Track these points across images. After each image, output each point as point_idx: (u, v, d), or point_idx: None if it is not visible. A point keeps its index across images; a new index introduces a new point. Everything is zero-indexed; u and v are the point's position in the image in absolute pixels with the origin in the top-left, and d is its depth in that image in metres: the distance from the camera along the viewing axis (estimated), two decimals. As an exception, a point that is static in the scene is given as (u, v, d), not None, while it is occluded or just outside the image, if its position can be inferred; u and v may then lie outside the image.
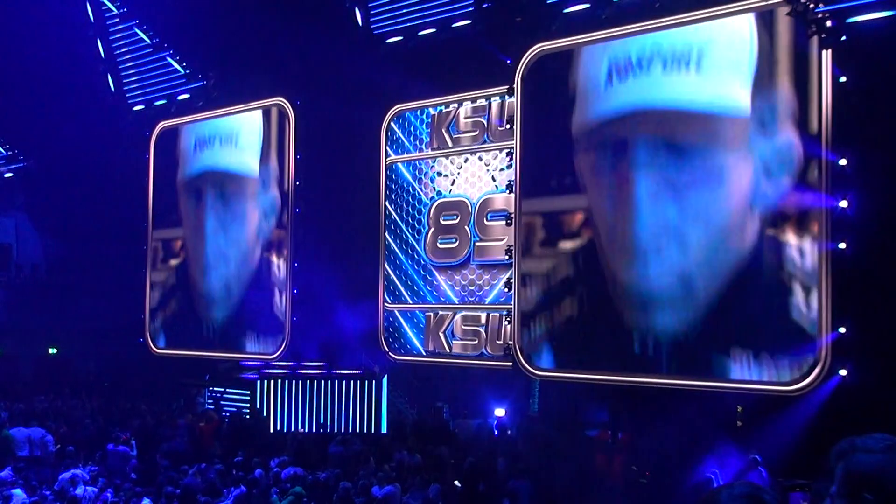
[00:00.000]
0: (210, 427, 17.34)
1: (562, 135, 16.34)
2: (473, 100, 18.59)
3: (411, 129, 19.62)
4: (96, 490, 11.88)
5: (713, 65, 14.31)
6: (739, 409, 14.35)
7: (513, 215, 17.17)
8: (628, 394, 15.17)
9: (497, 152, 18.14)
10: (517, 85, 17.13)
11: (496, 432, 17.08)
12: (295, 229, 20.82)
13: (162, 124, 24.12)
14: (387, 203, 19.94)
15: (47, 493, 11.94)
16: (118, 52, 24.29)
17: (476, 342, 18.33)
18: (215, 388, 20.30)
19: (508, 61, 17.33)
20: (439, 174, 19.09)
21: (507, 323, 17.60)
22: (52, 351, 26.32)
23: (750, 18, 13.94)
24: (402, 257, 19.63)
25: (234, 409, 19.18)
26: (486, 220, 18.29)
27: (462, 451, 15.12)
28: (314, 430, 17.76)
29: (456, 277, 18.74)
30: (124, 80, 24.42)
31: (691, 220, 14.41)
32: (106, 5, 24.10)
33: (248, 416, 18.39)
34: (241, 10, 20.50)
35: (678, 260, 14.51)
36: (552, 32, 16.65)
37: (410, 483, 12.63)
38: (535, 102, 17.02)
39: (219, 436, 17.07)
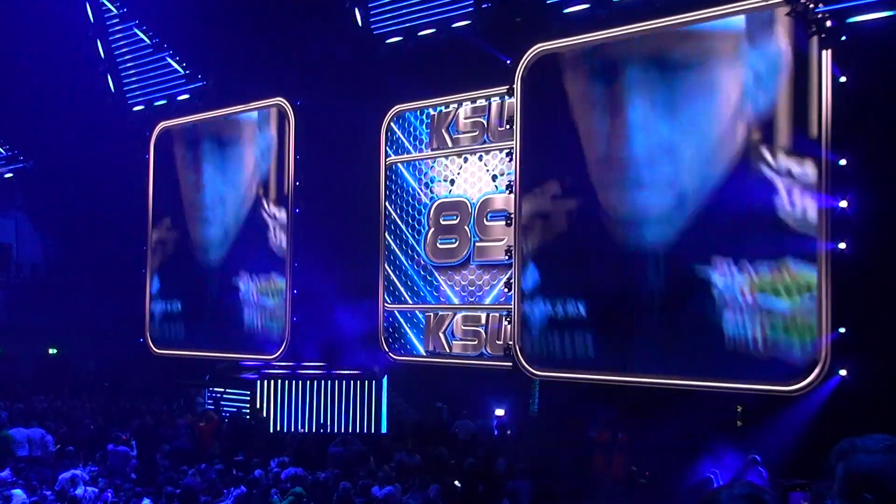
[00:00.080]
0: (210, 427, 17.33)
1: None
2: (473, 100, 18.60)
3: (411, 129, 19.63)
4: (96, 490, 11.88)
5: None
6: (739, 408, 14.36)
7: (513, 216, 17.17)
8: (628, 393, 15.17)
9: (497, 152, 18.15)
10: (517, 85, 17.13)
11: (496, 432, 17.08)
12: (295, 229, 20.82)
13: (162, 124, 24.12)
14: (386, 203, 19.94)
15: (47, 493, 11.94)
16: (118, 52, 24.29)
17: (476, 342, 18.33)
18: (215, 389, 20.29)
19: (508, 61, 17.33)
20: (434, 180, 19.12)
21: (506, 323, 17.60)
22: (51, 351, 26.30)
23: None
24: (402, 257, 19.64)
25: (234, 410, 19.17)
26: (486, 220, 18.29)
27: (462, 452, 15.12)
28: (314, 430, 17.76)
29: (456, 278, 18.75)
30: (124, 81, 24.42)
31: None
32: (106, 6, 24.10)
33: (247, 417, 18.38)
34: (241, 11, 20.50)
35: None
36: (552, 33, 16.65)
37: (410, 483, 12.63)
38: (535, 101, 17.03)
39: (219, 436, 17.06)
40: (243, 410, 18.84)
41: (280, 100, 21.33)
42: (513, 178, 17.30)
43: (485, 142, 18.41)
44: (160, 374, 22.55)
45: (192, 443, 16.42)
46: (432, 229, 19.18)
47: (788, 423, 12.74)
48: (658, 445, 13.56)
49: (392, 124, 19.89)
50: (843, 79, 12.85)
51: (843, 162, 12.81)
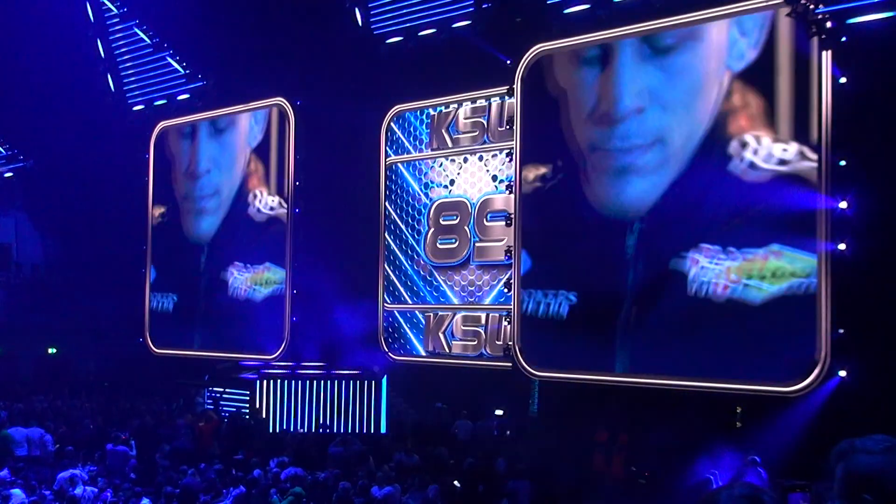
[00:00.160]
0: (209, 427, 17.33)
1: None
2: (473, 100, 18.59)
3: (411, 129, 19.63)
4: (96, 490, 11.87)
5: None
6: (739, 409, 14.36)
7: (512, 216, 17.16)
8: (628, 394, 15.17)
9: (497, 152, 18.16)
10: (517, 85, 17.13)
11: (496, 433, 17.07)
12: (295, 229, 20.82)
13: (162, 124, 24.12)
14: (386, 203, 19.94)
15: (47, 492, 11.93)
16: (118, 52, 24.29)
17: (476, 343, 18.33)
18: (214, 388, 20.29)
19: (508, 62, 17.32)
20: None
21: (506, 323, 17.59)
22: (51, 351, 26.29)
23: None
24: (402, 258, 19.64)
25: (234, 410, 19.17)
26: (486, 220, 18.29)
27: (461, 452, 15.12)
28: (314, 430, 17.76)
29: (455, 278, 18.74)
30: (124, 80, 24.42)
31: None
32: (106, 5, 24.10)
33: (247, 417, 18.38)
34: (241, 10, 20.50)
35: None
36: (552, 33, 16.64)
37: (410, 483, 12.64)
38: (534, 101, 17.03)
39: (218, 436, 17.06)
40: (243, 410, 18.84)
41: (280, 100, 21.33)
42: (512, 179, 17.30)
43: (485, 142, 18.41)
44: (160, 374, 22.54)
45: (192, 443, 16.41)
46: (432, 229, 19.18)
47: (788, 424, 12.74)
48: (658, 446, 13.56)
49: (392, 124, 19.89)
50: (843, 80, 12.84)
51: (843, 163, 12.81)
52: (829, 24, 12.63)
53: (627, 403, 15.02)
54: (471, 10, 17.79)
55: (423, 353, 19.21)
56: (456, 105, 18.87)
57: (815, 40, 12.92)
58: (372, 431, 17.87)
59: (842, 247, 12.74)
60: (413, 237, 19.52)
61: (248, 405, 18.78)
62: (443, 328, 18.84)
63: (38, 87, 23.66)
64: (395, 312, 19.78)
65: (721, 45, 14.30)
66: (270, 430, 17.84)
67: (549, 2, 16.67)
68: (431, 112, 19.26)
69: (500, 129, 18.03)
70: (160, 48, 23.15)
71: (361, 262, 19.91)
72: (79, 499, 11.32)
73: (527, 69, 17.03)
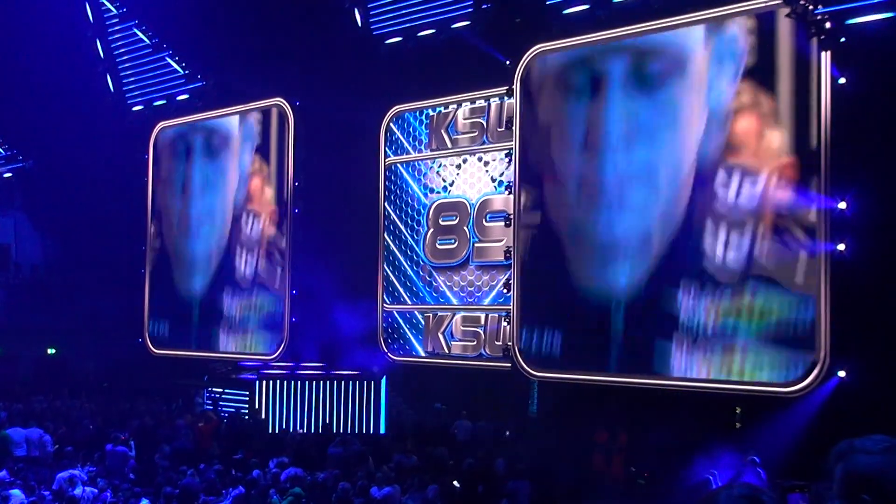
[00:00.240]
0: (209, 427, 17.34)
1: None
2: (472, 101, 18.60)
3: (410, 129, 19.63)
4: (95, 491, 11.87)
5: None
6: (738, 409, 14.36)
7: (512, 216, 17.16)
8: (627, 394, 15.17)
9: (496, 153, 18.16)
10: (516, 86, 17.13)
11: (495, 433, 17.07)
12: (294, 230, 20.82)
13: (161, 124, 24.12)
14: (385, 204, 19.94)
15: (46, 493, 11.93)
16: (117, 52, 24.27)
17: (475, 343, 18.34)
18: (214, 389, 20.29)
19: (507, 62, 17.33)
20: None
21: (505, 324, 17.60)
22: (50, 351, 26.28)
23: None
24: (401, 258, 19.64)
25: (233, 410, 19.17)
26: (486, 221, 18.29)
27: (461, 452, 15.12)
28: (319, 430, 17.77)
29: (455, 278, 18.75)
30: (123, 81, 24.41)
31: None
32: (105, 6, 24.09)
33: (246, 417, 18.38)
34: (241, 10, 20.50)
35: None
36: (551, 33, 16.65)
37: (409, 484, 12.64)
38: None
39: (217, 436, 17.07)
40: (242, 411, 18.84)
41: (279, 100, 21.33)
42: (511, 179, 17.30)
43: (484, 142, 18.41)
44: (159, 375, 22.53)
45: (191, 443, 16.41)
46: (431, 230, 19.18)
47: (787, 424, 12.75)
48: (657, 446, 13.56)
49: (391, 125, 19.89)
50: (842, 80, 12.85)
51: (842, 163, 12.82)
52: (828, 25, 12.63)
53: (627, 404, 15.03)
54: (470, 10, 17.80)
55: (423, 354, 19.21)
56: (455, 105, 18.87)
57: (813, 44, 12.93)
58: (371, 432, 17.88)
59: (841, 247, 12.75)
60: (412, 237, 19.52)
61: (247, 406, 18.78)
62: (442, 329, 18.85)
63: (38, 88, 23.65)
64: (395, 313, 19.78)
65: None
66: (270, 431, 17.84)
67: (548, 2, 16.68)
68: (431, 112, 19.26)
69: (499, 129, 18.03)
70: (159, 48, 23.15)
71: (361, 263, 19.91)
72: (78, 499, 11.32)
73: (526, 70, 17.02)
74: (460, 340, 18.58)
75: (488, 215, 18.24)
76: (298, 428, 18.15)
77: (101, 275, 24.57)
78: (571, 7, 16.31)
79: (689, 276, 14.39)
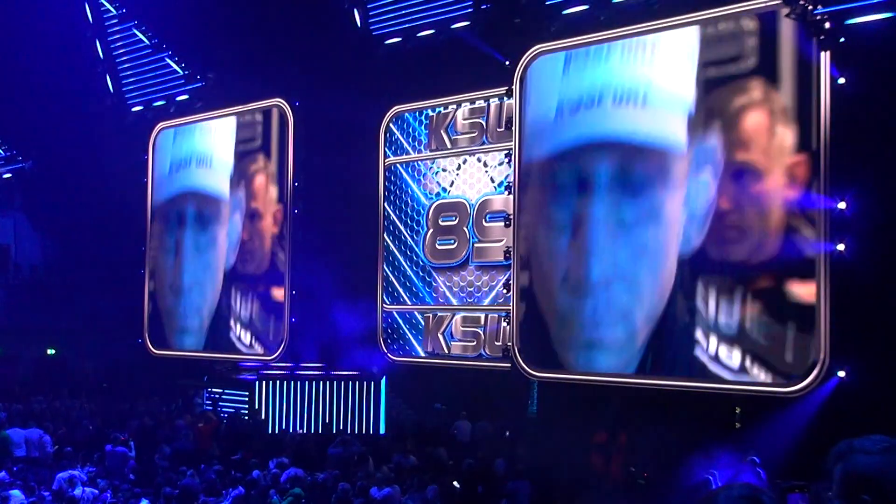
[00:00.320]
0: (208, 428, 17.33)
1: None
2: (472, 101, 18.59)
3: (410, 130, 19.63)
4: (95, 491, 11.87)
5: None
6: (738, 410, 14.36)
7: (511, 217, 17.16)
8: (626, 394, 15.18)
9: (496, 153, 18.16)
10: (516, 86, 17.13)
11: (494, 433, 17.06)
12: (294, 230, 20.82)
13: (161, 125, 24.11)
14: (385, 204, 19.94)
15: (46, 493, 11.93)
16: (117, 52, 24.29)
17: (475, 343, 18.33)
18: (213, 389, 20.28)
19: (507, 62, 17.33)
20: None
21: (505, 324, 17.60)
22: (50, 351, 26.28)
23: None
24: (401, 258, 19.64)
25: (233, 410, 19.16)
26: (485, 221, 18.29)
27: (461, 453, 15.12)
28: (314, 431, 17.76)
29: (454, 279, 18.75)
30: (123, 81, 24.42)
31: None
32: (105, 6, 24.09)
33: (246, 417, 18.38)
34: (241, 11, 20.50)
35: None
36: (551, 34, 16.65)
37: (409, 484, 12.63)
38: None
39: (217, 437, 17.06)
40: (242, 411, 18.84)
41: (279, 100, 21.33)
42: (511, 179, 17.30)
43: (484, 143, 18.41)
44: (159, 375, 22.53)
45: (191, 443, 16.41)
46: (431, 230, 19.18)
47: (787, 425, 12.75)
48: (657, 446, 13.56)
49: (391, 125, 19.89)
50: (841, 80, 12.85)
51: (842, 163, 12.82)
52: (827, 25, 12.64)
53: (626, 404, 15.03)
54: (470, 10, 17.81)
55: (422, 354, 19.21)
56: (455, 106, 18.87)
57: (813, 44, 12.93)
58: (371, 432, 17.87)
59: (840, 247, 12.75)
60: (412, 238, 19.52)
61: (247, 406, 18.78)
62: (442, 329, 18.85)
63: (37, 88, 23.66)
64: (394, 313, 19.78)
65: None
66: (269, 431, 17.83)
67: (547, 3, 16.68)
68: (430, 113, 19.26)
69: (498, 129, 18.03)
70: (159, 49, 23.16)
71: (360, 263, 19.91)
72: (78, 500, 11.31)
73: (525, 70, 17.02)
74: (460, 341, 18.58)
75: (488, 216, 18.24)
76: (298, 428, 18.15)
77: (101, 275, 24.57)
78: (571, 7, 16.32)
79: (689, 276, 14.39)
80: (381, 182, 19.96)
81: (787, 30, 13.42)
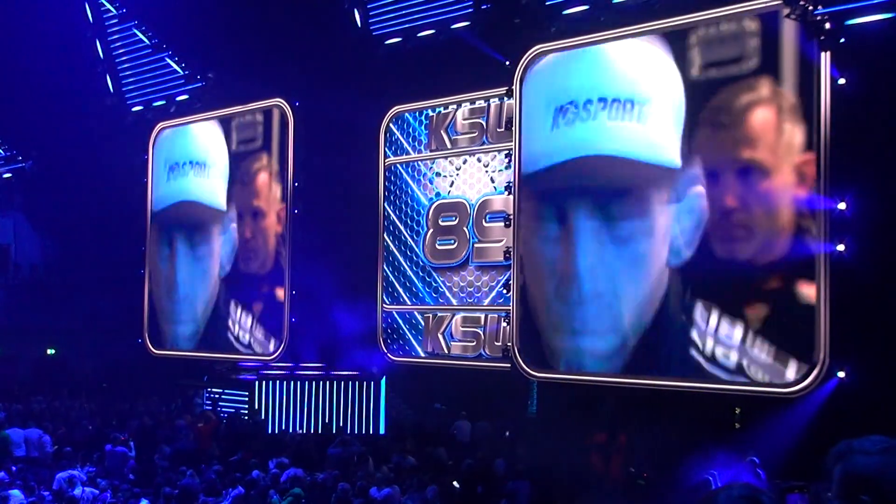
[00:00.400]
0: (208, 428, 17.33)
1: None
2: (472, 101, 18.59)
3: (410, 130, 19.63)
4: (95, 491, 11.87)
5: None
6: (737, 410, 14.36)
7: (511, 217, 17.16)
8: (626, 395, 15.18)
9: (496, 153, 18.17)
10: (516, 86, 17.13)
11: (494, 433, 17.06)
12: (294, 230, 20.82)
13: (161, 125, 24.11)
14: (385, 204, 19.94)
15: (45, 493, 11.93)
16: (117, 52, 24.28)
17: (475, 343, 18.33)
18: (213, 389, 20.28)
19: (507, 63, 17.32)
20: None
21: (505, 324, 17.60)
22: (49, 351, 26.27)
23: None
24: (401, 258, 19.64)
25: (232, 410, 19.16)
26: (485, 221, 18.29)
27: (460, 453, 15.12)
28: (314, 431, 17.76)
29: (454, 279, 18.74)
30: (123, 81, 24.41)
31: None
32: (105, 6, 24.09)
33: (246, 418, 18.38)
34: (240, 11, 20.50)
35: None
36: (551, 34, 16.65)
37: (409, 485, 12.63)
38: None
39: (217, 437, 17.06)
40: (241, 411, 18.84)
41: (279, 100, 21.33)
42: (511, 180, 17.30)
43: (484, 143, 18.41)
44: (159, 375, 22.53)
45: (191, 443, 16.41)
46: (431, 230, 19.18)
47: (786, 425, 12.74)
48: (657, 446, 13.55)
49: (391, 125, 19.89)
50: (841, 81, 12.86)
51: (841, 163, 12.82)
52: (827, 26, 12.64)
53: (625, 404, 15.03)
54: (470, 10, 17.81)
55: (422, 354, 19.21)
56: (455, 106, 18.87)
57: (813, 44, 12.94)
58: (371, 432, 17.87)
59: (840, 248, 12.75)
60: (412, 238, 19.52)
61: (246, 406, 18.77)
62: (442, 329, 18.85)
63: (37, 88, 23.65)
64: (394, 313, 19.78)
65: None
66: (269, 431, 17.83)
67: (547, 3, 16.68)
68: (430, 113, 19.26)
69: (498, 129, 18.03)
70: (159, 49, 23.15)
71: (360, 263, 19.91)
72: (77, 500, 11.32)
73: (525, 70, 17.03)
74: (460, 341, 18.58)
75: (488, 216, 18.24)
76: (298, 428, 18.15)
77: (101, 275, 24.57)
78: (571, 7, 16.31)
79: (688, 277, 14.40)
80: (381, 182, 19.96)
81: (787, 30, 13.42)
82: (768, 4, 13.67)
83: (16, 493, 11.28)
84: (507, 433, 17.05)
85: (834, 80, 12.90)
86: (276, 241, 21.22)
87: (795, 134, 13.32)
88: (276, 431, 17.89)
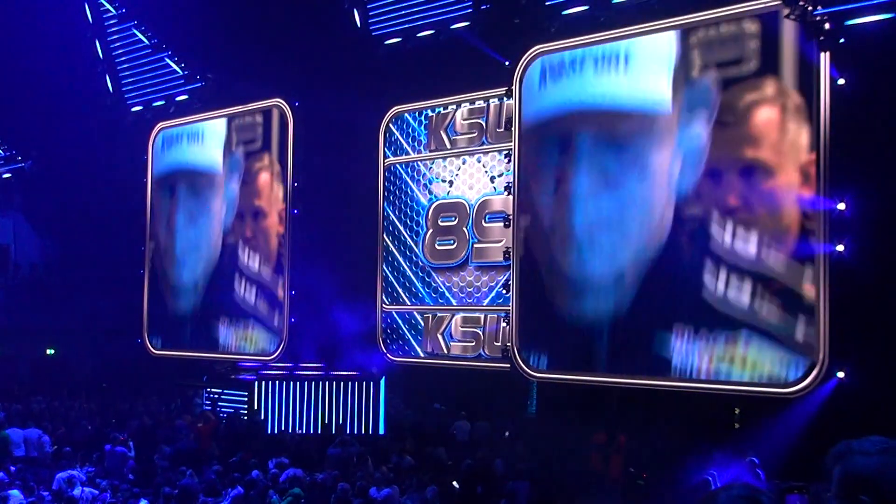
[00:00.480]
0: (208, 428, 17.33)
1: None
2: (472, 101, 18.59)
3: (409, 130, 19.63)
4: (95, 491, 11.87)
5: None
6: (737, 410, 14.37)
7: (511, 217, 17.16)
8: (626, 394, 15.18)
9: (496, 154, 18.17)
10: (515, 86, 17.13)
11: (494, 433, 17.07)
12: (293, 230, 20.81)
13: (160, 125, 24.11)
14: (385, 204, 19.94)
15: (45, 493, 11.93)
16: (116, 52, 24.28)
17: (474, 344, 18.33)
18: (213, 389, 20.28)
19: (507, 63, 17.32)
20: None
21: (504, 325, 17.59)
22: (49, 351, 26.27)
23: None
24: (400, 259, 19.64)
25: (232, 411, 19.16)
26: (485, 221, 18.29)
27: (460, 453, 15.12)
28: (313, 431, 17.76)
29: (454, 279, 18.74)
30: (123, 81, 24.41)
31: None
32: (104, 6, 24.09)
33: (245, 418, 18.38)
34: (240, 11, 20.50)
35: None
36: (550, 34, 16.65)
37: (408, 485, 12.64)
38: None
39: (216, 437, 17.07)
40: (241, 411, 18.84)
41: (279, 100, 21.32)
42: (511, 180, 17.30)
43: (483, 143, 18.41)
44: (158, 375, 22.52)
45: (191, 443, 16.41)
46: (430, 230, 19.18)
47: (786, 425, 12.75)
48: (656, 446, 13.55)
49: (391, 125, 19.89)
50: (841, 81, 12.86)
51: (841, 164, 12.83)
52: (827, 26, 12.64)
53: (626, 404, 15.03)
54: (470, 11, 17.81)
55: (422, 355, 19.21)
56: (454, 106, 18.87)
57: (812, 44, 12.94)
58: (370, 432, 17.87)
59: (840, 248, 12.76)
60: (411, 238, 19.52)
61: (246, 406, 18.78)
62: (441, 329, 18.84)
63: (37, 88, 23.65)
64: (394, 313, 19.78)
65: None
66: (269, 431, 17.83)
67: (547, 3, 16.68)
68: (430, 113, 19.26)
69: (498, 130, 18.03)
70: (158, 49, 23.16)
71: (360, 263, 19.91)
72: (77, 500, 11.32)
73: (525, 70, 17.02)
74: (459, 341, 18.58)
75: (487, 216, 18.24)
76: (297, 428, 18.15)
77: (101, 275, 24.55)
78: (571, 8, 16.31)
79: (689, 276, 14.39)
80: (381, 182, 19.96)
81: (787, 31, 13.43)
82: (768, 5, 13.67)
83: (15, 493, 11.28)
84: (507, 433, 17.06)
85: (833, 81, 12.90)
86: (277, 240, 21.22)
87: (796, 134, 13.32)
88: (276, 431, 17.89)
